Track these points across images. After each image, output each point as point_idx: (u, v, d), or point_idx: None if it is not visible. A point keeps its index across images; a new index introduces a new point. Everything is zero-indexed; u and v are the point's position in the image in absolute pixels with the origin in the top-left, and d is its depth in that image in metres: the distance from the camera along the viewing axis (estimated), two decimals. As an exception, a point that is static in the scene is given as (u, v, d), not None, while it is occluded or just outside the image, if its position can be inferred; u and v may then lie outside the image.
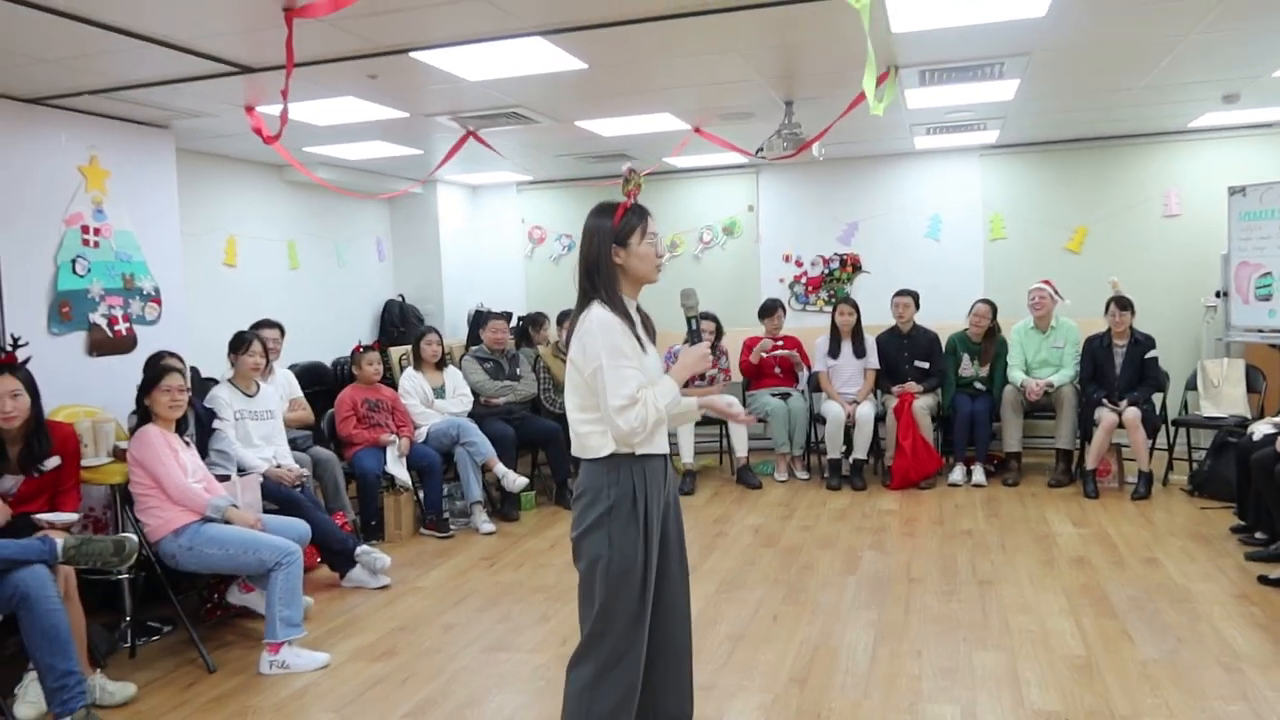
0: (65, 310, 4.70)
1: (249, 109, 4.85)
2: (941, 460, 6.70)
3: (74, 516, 3.69)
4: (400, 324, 8.16)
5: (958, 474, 6.57)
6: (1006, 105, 5.80)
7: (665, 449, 2.51)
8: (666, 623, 2.57)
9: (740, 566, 4.96)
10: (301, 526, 4.19)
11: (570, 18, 3.63)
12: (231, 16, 3.46)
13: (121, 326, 4.98)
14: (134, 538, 3.41)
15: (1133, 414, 5.95)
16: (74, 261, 4.73)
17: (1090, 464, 6.14)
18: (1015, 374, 6.56)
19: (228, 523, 3.93)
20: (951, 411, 6.68)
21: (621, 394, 2.32)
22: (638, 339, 2.44)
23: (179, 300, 5.37)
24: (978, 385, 6.73)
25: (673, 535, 2.59)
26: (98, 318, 4.86)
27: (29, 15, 3.33)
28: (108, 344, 4.90)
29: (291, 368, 6.66)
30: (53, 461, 3.78)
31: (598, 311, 2.40)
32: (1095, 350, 6.31)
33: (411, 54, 3.98)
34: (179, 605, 4.00)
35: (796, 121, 5.40)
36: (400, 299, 8.38)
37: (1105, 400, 6.12)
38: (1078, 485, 6.29)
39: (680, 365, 2.48)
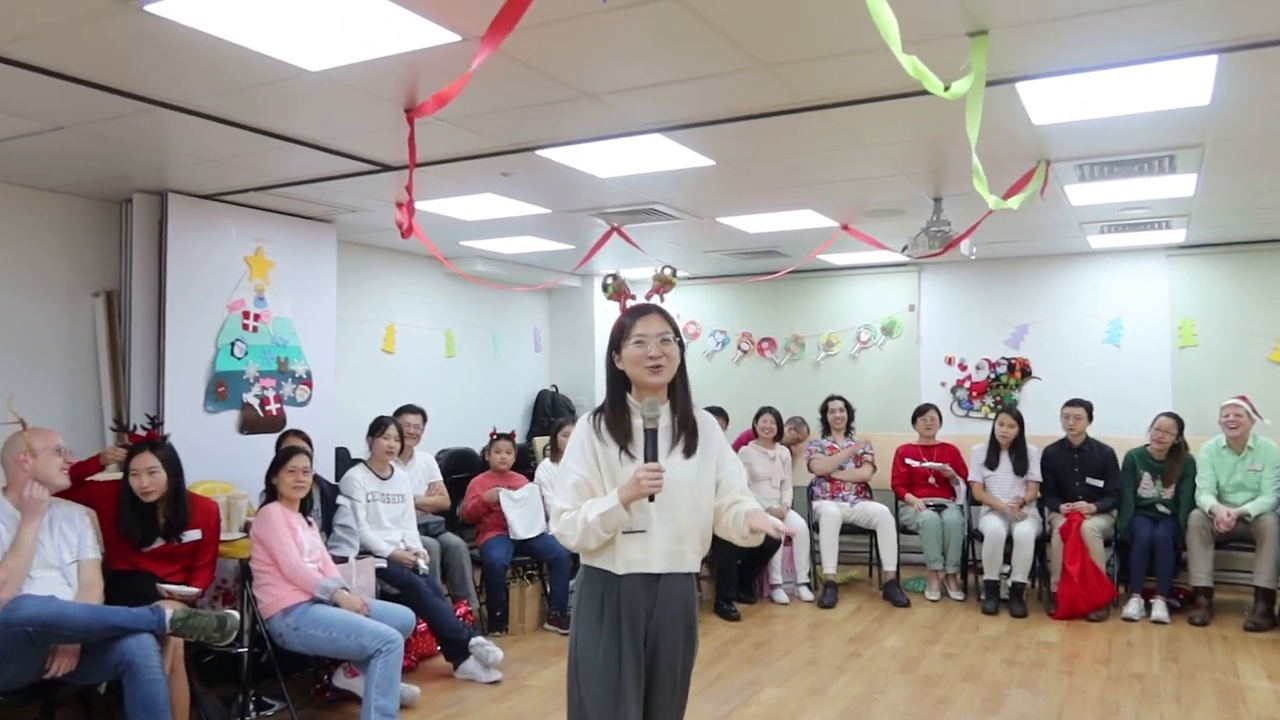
0: (221, 390, 5.01)
1: (399, 205, 5.09)
2: (1115, 590, 6.00)
3: (196, 592, 3.83)
4: (551, 414, 8.26)
5: (1134, 607, 5.85)
6: (1188, 202, 5.30)
7: (657, 568, 2.46)
8: None
9: (867, 694, 4.55)
10: (405, 614, 4.18)
11: (685, 115, 3.59)
12: (364, 119, 3.65)
13: (273, 407, 5.26)
14: (235, 615, 3.49)
15: (1348, 552, 5.14)
16: (233, 344, 5.06)
17: (1295, 607, 5.33)
18: (1204, 498, 5.82)
19: (336, 605, 3.99)
20: (1129, 536, 6.00)
21: (557, 504, 2.48)
22: (622, 448, 2.44)
23: (330, 383, 5.63)
24: (1160, 508, 6.03)
25: (663, 654, 2.51)
26: (250, 398, 5.15)
27: (192, 121, 3.64)
28: (258, 423, 5.17)
29: (441, 453, 6.84)
30: (193, 534, 3.97)
31: (579, 419, 2.57)
32: (1302, 476, 5.54)
33: (537, 152, 4.06)
34: (284, 684, 4.05)
35: (945, 219, 5.12)
36: (554, 389, 8.50)
37: (1314, 534, 5.33)
38: (1280, 631, 5.47)
39: (628, 484, 2.36)
